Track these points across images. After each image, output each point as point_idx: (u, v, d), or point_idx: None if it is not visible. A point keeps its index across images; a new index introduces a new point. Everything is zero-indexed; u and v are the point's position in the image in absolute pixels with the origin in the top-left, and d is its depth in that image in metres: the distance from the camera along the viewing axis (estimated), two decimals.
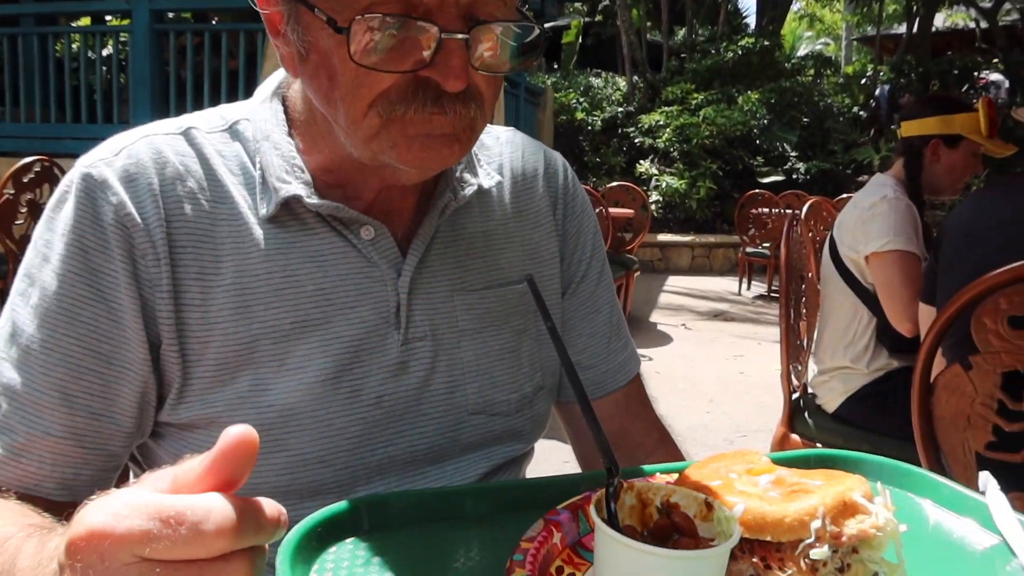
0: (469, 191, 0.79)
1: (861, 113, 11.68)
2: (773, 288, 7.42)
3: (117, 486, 0.50)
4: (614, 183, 7.38)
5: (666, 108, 11.51)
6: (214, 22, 6.90)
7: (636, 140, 11.30)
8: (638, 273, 5.88)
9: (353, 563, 0.55)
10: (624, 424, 0.92)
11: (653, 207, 9.49)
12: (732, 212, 8.48)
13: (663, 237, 9.91)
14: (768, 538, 0.50)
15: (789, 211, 6.56)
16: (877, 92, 11.37)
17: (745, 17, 17.45)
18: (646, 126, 11.29)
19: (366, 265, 0.75)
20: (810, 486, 0.53)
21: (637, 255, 6.43)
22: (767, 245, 7.33)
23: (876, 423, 2.13)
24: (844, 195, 6.78)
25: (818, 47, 18.77)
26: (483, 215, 0.83)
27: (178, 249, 0.70)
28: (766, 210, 7.44)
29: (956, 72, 11.46)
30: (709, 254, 9.92)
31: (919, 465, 1.23)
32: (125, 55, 6.25)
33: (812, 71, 13.07)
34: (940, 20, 14.43)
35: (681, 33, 14.48)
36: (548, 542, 0.55)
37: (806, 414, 2.29)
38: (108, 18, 7.31)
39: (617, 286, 5.09)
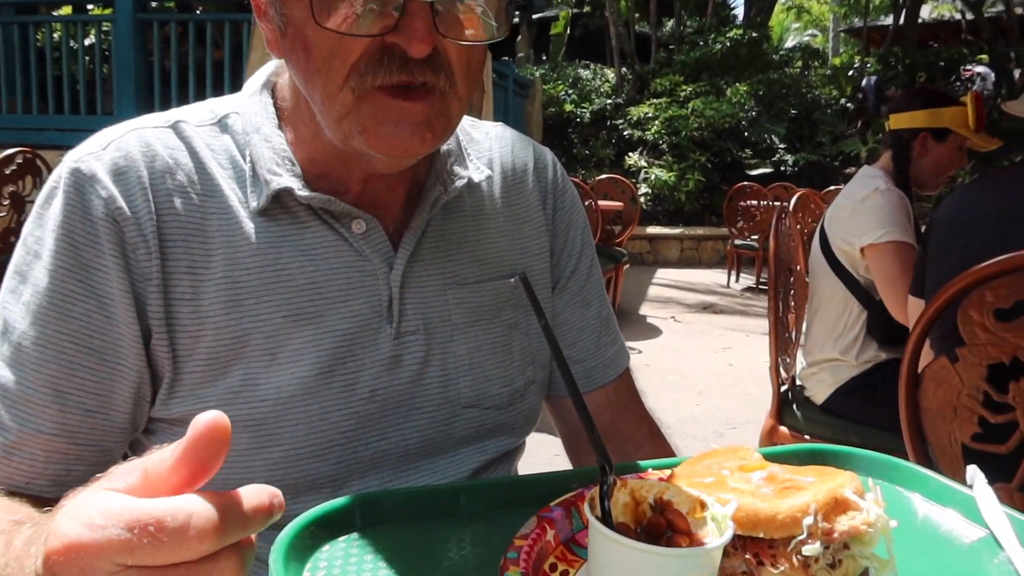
0: (460, 183, 0.79)
1: (849, 105, 11.74)
2: (761, 280, 7.46)
3: None
4: (603, 175, 7.39)
5: (655, 100, 11.52)
6: (198, 11, 6.83)
7: (625, 132, 11.31)
8: (627, 266, 5.89)
9: (347, 561, 0.55)
10: (614, 418, 0.93)
11: (642, 199, 9.50)
12: (721, 204, 8.52)
13: (652, 230, 9.93)
14: (761, 535, 0.51)
15: (777, 203, 6.58)
16: (863, 83, 11.44)
17: (733, 8, 17.47)
18: (635, 118, 11.30)
19: (358, 259, 0.75)
20: (802, 483, 0.54)
21: (626, 248, 6.45)
22: (755, 237, 7.37)
23: (864, 415, 2.15)
24: (832, 187, 6.83)
25: (806, 39, 18.84)
26: (473, 209, 0.83)
27: (168, 243, 0.70)
28: (754, 202, 7.47)
29: (942, 64, 11.53)
30: (698, 246, 9.96)
31: (906, 457, 1.25)
32: (108, 45, 6.16)
33: (800, 63, 13.13)
34: (926, 11, 14.51)
35: (669, 24, 14.47)
36: (542, 539, 0.55)
37: (795, 406, 2.31)
38: (90, 7, 7.21)
39: (606, 279, 5.10)
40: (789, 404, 2.33)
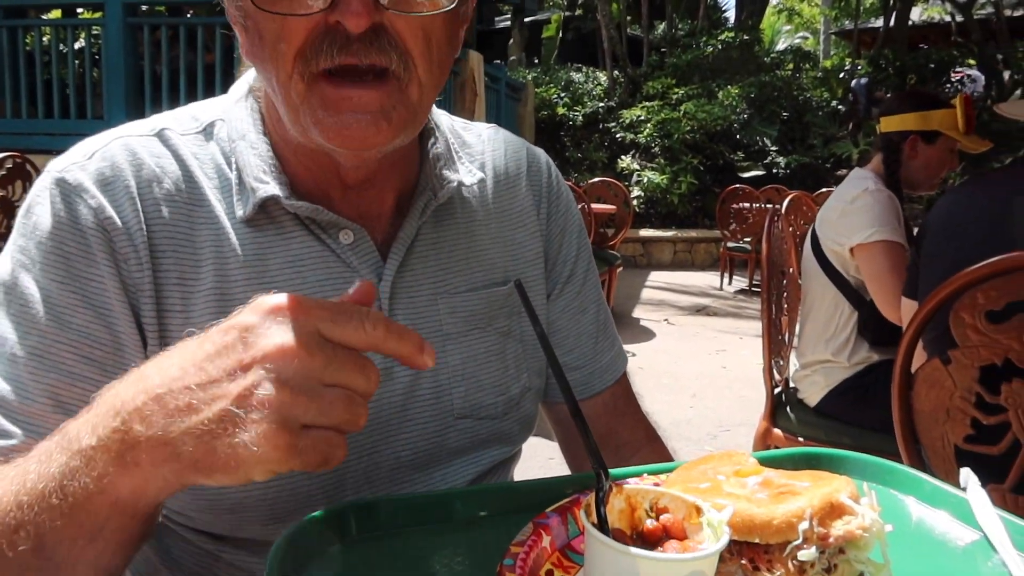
0: (450, 188, 0.78)
1: (840, 107, 11.79)
2: (754, 283, 7.48)
3: None
4: (596, 178, 7.41)
5: (647, 103, 11.55)
6: (189, 15, 6.80)
7: (617, 135, 11.33)
8: (620, 269, 5.90)
9: (342, 569, 0.55)
10: (611, 422, 0.92)
11: (635, 202, 9.53)
12: (713, 207, 8.54)
13: (645, 232, 9.95)
14: (756, 540, 0.51)
15: (770, 205, 6.60)
16: (853, 84, 11.48)
17: (724, 11, 17.57)
18: (627, 121, 11.32)
19: (345, 270, 0.73)
20: (797, 488, 0.54)
21: (619, 250, 6.45)
22: (748, 240, 7.39)
23: (857, 417, 2.16)
24: (824, 189, 6.86)
25: (797, 41, 18.94)
26: (465, 215, 0.82)
27: (158, 253, 0.69)
28: (747, 205, 7.49)
29: (932, 66, 11.60)
30: (691, 249, 9.99)
31: (899, 458, 1.25)
32: (98, 48, 6.14)
33: (791, 65, 13.18)
34: (916, 14, 14.60)
35: (661, 27, 14.52)
36: (538, 546, 0.55)
37: (788, 408, 2.31)
38: (79, 11, 7.18)
39: (600, 282, 5.08)
40: (783, 406, 2.33)
